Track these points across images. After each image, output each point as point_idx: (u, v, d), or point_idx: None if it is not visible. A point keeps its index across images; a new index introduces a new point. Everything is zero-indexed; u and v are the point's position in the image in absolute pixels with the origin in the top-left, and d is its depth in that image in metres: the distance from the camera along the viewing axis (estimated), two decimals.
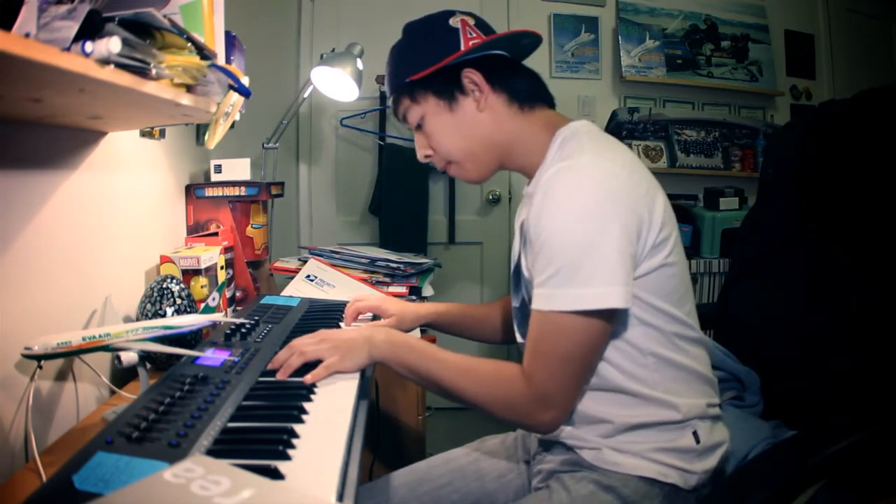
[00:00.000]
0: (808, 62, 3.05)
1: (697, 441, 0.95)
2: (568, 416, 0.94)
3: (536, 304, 0.89)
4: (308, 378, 0.90)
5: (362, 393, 0.91)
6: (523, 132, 1.03)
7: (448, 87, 1.02)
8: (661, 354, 0.94)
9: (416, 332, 1.55)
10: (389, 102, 1.12)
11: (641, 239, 0.90)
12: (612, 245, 0.85)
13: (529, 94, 1.04)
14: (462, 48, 1.00)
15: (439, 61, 1.00)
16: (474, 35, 1.01)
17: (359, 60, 1.90)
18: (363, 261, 1.71)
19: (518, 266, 1.08)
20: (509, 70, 1.04)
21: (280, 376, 0.92)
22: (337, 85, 1.93)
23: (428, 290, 1.70)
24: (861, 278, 1.21)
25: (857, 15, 3.11)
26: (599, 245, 0.85)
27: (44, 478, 0.80)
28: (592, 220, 0.86)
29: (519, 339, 1.11)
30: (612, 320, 0.90)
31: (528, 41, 1.06)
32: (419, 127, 1.07)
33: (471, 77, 1.01)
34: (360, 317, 1.31)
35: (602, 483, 0.95)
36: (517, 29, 1.03)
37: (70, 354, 0.87)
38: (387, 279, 1.69)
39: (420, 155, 1.09)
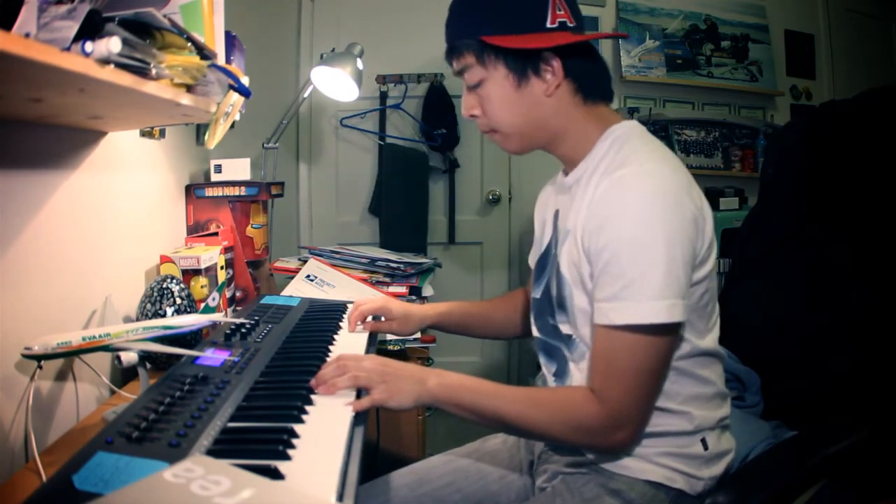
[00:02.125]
0: (808, 62, 3.05)
1: (706, 448, 0.94)
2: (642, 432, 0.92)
3: (606, 319, 0.87)
4: (354, 405, 0.85)
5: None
6: (578, 123, 0.99)
7: (523, 64, 0.95)
8: (683, 368, 0.93)
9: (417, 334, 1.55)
10: (444, 46, 1.02)
11: (696, 251, 0.89)
12: (679, 257, 0.85)
13: (595, 88, 1.00)
14: (548, 23, 0.94)
15: (525, 32, 0.93)
16: (562, 12, 0.95)
17: (359, 60, 1.90)
18: (363, 261, 1.71)
19: (545, 256, 1.07)
20: (585, 60, 0.99)
21: (323, 392, 0.87)
22: (337, 85, 1.93)
23: (428, 290, 1.70)
24: (861, 278, 1.21)
25: (857, 15, 3.11)
26: (670, 257, 0.84)
27: (44, 478, 0.80)
28: (662, 231, 0.85)
29: (535, 332, 1.10)
30: (678, 332, 0.89)
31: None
32: (474, 86, 0.99)
33: (550, 63, 0.95)
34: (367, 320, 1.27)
35: (608, 487, 0.94)
36: (610, 33, 0.99)
37: (70, 354, 0.87)
38: (387, 279, 1.69)
39: (465, 113, 1.03)
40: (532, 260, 1.19)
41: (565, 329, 1.01)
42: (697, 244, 0.89)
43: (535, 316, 1.09)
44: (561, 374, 1.04)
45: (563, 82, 0.97)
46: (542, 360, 1.10)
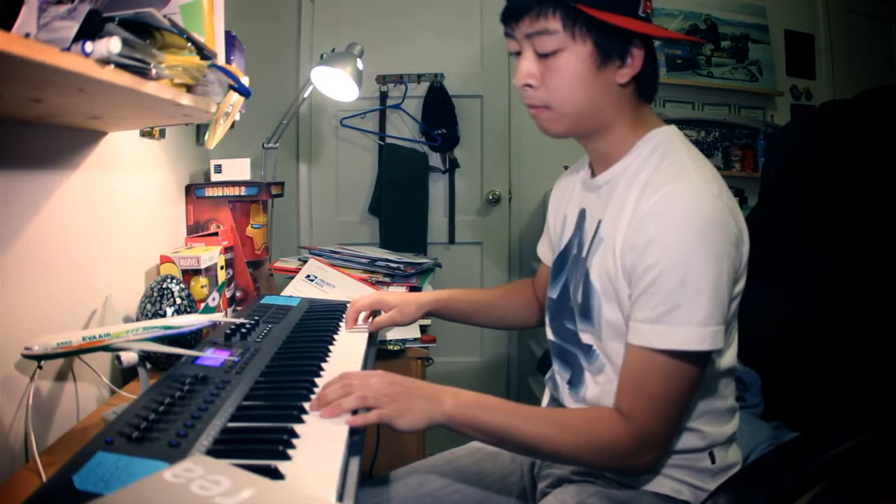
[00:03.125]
0: (808, 62, 3.04)
1: (713, 462, 0.94)
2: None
3: (644, 341, 0.84)
4: (357, 421, 0.79)
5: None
6: (626, 119, 0.95)
7: (611, 47, 0.89)
8: (700, 386, 0.91)
9: (417, 323, 1.54)
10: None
11: (736, 275, 0.87)
12: (725, 283, 0.83)
13: (650, 87, 0.97)
14: (640, 11, 0.90)
15: (621, 14, 0.88)
16: (650, 4, 0.92)
17: (359, 60, 1.90)
18: (363, 261, 1.71)
19: (564, 255, 1.04)
20: (653, 58, 0.96)
21: (326, 415, 0.80)
22: (337, 85, 1.93)
23: (428, 290, 1.70)
24: (861, 278, 1.21)
25: (857, 15, 3.11)
26: (718, 283, 0.82)
27: (44, 478, 0.80)
28: (712, 256, 0.82)
29: (550, 335, 1.07)
30: (711, 357, 0.88)
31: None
32: (544, 55, 0.91)
33: (635, 52, 0.91)
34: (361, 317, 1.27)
35: (615, 499, 0.93)
36: (688, 36, 0.95)
37: (70, 354, 0.87)
38: (387, 279, 1.69)
39: (520, 82, 0.94)
40: (546, 252, 1.16)
41: (586, 338, 0.97)
42: (737, 265, 0.87)
43: (551, 317, 1.06)
44: (576, 382, 1.01)
45: (635, 77, 0.93)
46: (555, 365, 1.07)
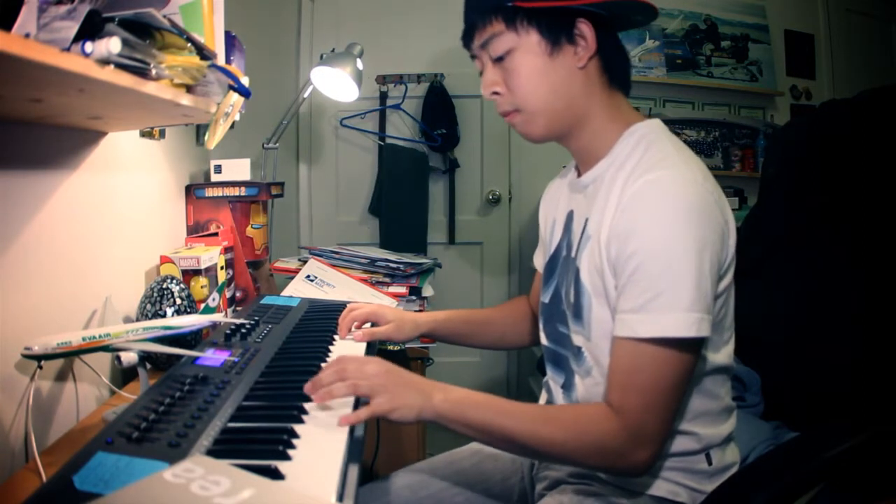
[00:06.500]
0: (808, 62, 3.05)
1: (710, 463, 0.93)
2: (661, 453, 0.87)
3: (630, 331, 0.82)
4: (349, 419, 0.79)
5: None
6: (602, 110, 0.94)
7: (556, 30, 0.90)
8: (694, 384, 0.90)
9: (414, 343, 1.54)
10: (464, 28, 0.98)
11: (721, 266, 0.87)
12: (708, 271, 0.82)
13: (619, 72, 0.95)
14: None
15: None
16: None
17: (359, 60, 1.90)
18: (363, 261, 1.70)
19: (554, 258, 1.03)
20: (613, 38, 0.95)
21: (317, 401, 0.82)
22: (337, 85, 1.93)
23: (428, 290, 1.70)
24: (862, 278, 1.21)
25: (857, 15, 3.11)
26: (700, 270, 0.81)
27: (44, 478, 0.80)
28: (695, 243, 0.81)
29: (543, 339, 1.06)
30: (700, 349, 0.86)
31: (639, 18, 0.96)
32: (499, 59, 0.94)
33: (583, 29, 0.90)
34: (355, 327, 1.23)
35: (612, 502, 0.93)
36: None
37: (70, 354, 0.87)
38: (387, 279, 1.69)
39: (486, 91, 0.96)
40: (539, 261, 1.16)
41: (577, 340, 0.97)
42: (722, 257, 0.86)
43: (544, 322, 1.06)
44: (568, 386, 1.00)
45: (594, 56, 0.92)
46: (549, 370, 1.06)
